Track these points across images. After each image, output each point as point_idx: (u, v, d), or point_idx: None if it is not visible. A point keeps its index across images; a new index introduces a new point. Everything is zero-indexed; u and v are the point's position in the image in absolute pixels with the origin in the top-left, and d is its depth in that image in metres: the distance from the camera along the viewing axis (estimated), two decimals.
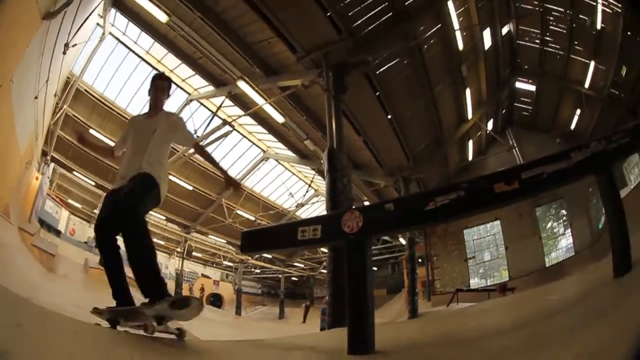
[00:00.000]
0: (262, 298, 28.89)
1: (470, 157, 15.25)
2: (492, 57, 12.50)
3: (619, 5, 9.35)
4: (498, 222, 15.36)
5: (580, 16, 10.74)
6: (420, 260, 15.30)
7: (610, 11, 9.87)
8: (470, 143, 14.94)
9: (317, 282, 28.52)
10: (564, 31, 11.72)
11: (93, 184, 15.20)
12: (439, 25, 10.04)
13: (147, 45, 10.77)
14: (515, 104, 16.79)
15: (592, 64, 12.39)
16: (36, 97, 6.01)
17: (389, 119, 10.77)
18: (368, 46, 8.25)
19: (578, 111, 14.41)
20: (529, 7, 11.48)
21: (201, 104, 12.75)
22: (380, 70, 9.69)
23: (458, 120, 13.33)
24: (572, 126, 15.21)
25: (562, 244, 15.57)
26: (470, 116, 13.14)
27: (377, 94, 10.00)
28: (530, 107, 16.62)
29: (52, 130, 10.30)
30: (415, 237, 14.99)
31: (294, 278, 29.81)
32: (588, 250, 13.69)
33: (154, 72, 9.99)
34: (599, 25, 10.47)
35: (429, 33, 10.19)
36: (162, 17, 7.43)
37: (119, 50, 10.99)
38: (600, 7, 9.90)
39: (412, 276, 11.96)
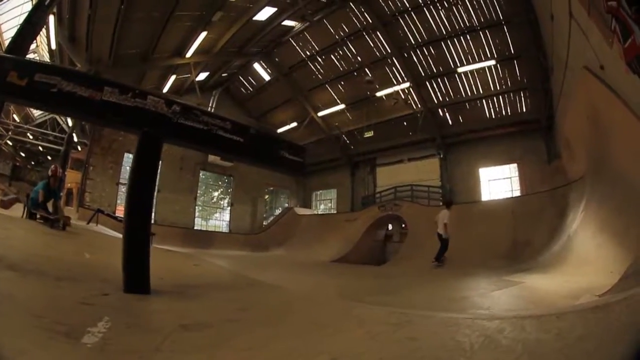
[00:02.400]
0: None
1: (165, 90, 15.03)
2: (254, 29, 12.91)
3: None
4: (160, 162, 14.84)
5: None
6: (87, 165, 13.96)
7: None
8: (172, 78, 14.82)
9: None
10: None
11: None
12: None
13: None
14: (241, 77, 16.66)
15: (342, 107, 14.36)
16: None
17: (121, 8, 9.63)
18: None
19: (294, 124, 16.09)
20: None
21: None
22: None
23: (175, 51, 13.09)
24: (283, 129, 16.91)
25: (220, 217, 16.70)
26: (188, 55, 13.16)
27: None
28: (251, 90, 16.92)
29: None
30: (76, 135, 14.59)
31: None
32: (243, 236, 15.37)
33: None
34: None
35: None
36: None
37: None
38: None
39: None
